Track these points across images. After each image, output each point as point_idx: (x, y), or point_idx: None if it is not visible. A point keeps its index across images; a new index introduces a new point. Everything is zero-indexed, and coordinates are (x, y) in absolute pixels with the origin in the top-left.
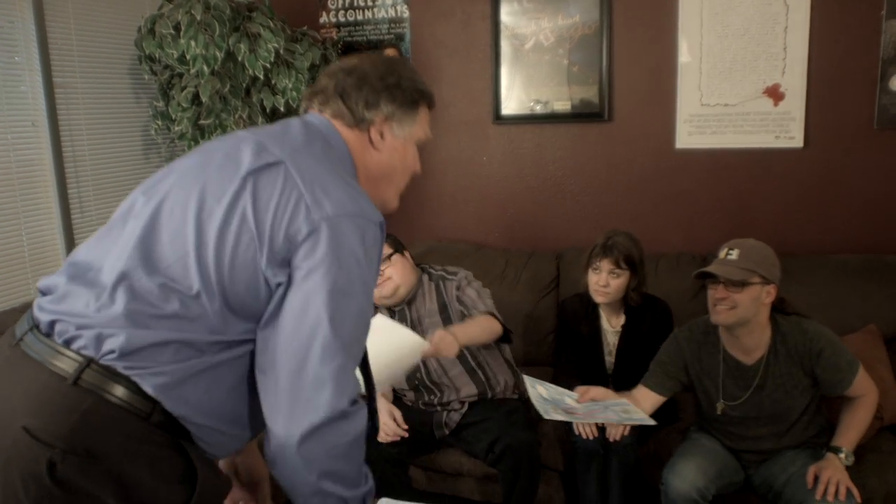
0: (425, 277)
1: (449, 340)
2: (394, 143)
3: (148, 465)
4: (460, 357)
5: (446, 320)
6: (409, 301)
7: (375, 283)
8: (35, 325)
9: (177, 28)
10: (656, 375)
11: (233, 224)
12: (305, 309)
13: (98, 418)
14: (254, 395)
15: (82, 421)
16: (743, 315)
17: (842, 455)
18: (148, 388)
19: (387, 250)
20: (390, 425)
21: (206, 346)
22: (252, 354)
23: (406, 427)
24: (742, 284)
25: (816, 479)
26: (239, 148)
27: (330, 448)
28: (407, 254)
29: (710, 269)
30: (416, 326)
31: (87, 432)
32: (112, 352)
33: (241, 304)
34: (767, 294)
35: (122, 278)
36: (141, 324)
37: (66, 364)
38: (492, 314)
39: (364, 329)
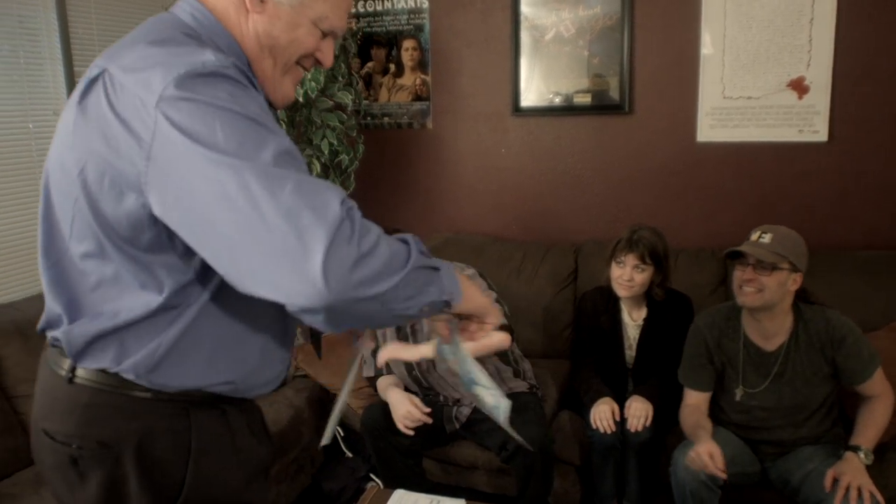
0: None
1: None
2: (275, 10)
3: (164, 441)
4: None
5: None
6: None
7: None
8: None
9: None
10: (690, 371)
11: (88, 169)
12: (200, 195)
13: (98, 409)
14: (240, 342)
15: (84, 415)
16: (769, 299)
17: (861, 454)
18: (128, 376)
19: None
20: (413, 412)
21: (150, 315)
22: (209, 309)
23: (429, 410)
24: (772, 268)
25: (835, 481)
26: (74, 92)
27: (358, 259)
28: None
29: (742, 248)
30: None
31: (92, 424)
32: None
33: (142, 247)
34: (794, 282)
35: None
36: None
37: (64, 364)
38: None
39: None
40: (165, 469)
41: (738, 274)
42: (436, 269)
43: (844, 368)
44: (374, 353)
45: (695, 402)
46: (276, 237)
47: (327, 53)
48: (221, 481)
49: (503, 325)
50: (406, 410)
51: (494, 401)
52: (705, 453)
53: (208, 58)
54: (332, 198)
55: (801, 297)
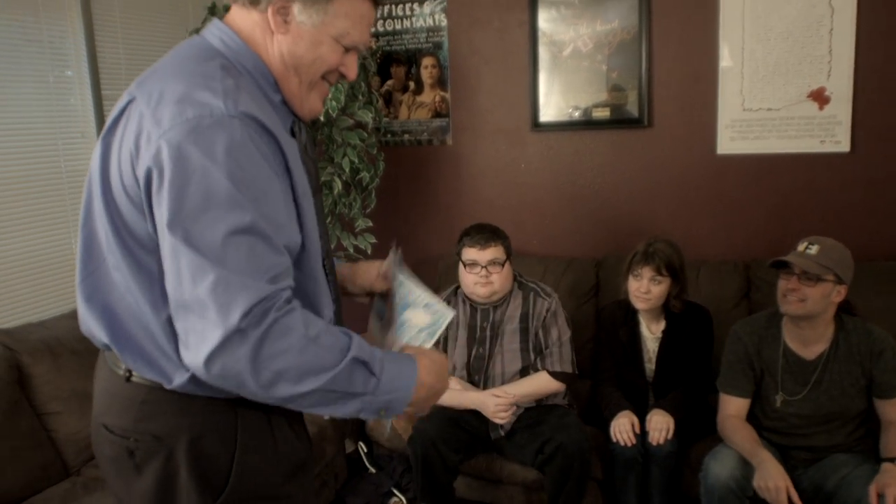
0: (516, 285)
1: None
2: (298, 30)
3: (213, 436)
4: (523, 365)
5: (524, 331)
6: (497, 305)
7: (273, 174)
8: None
9: None
10: (731, 377)
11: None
12: (163, 240)
13: (154, 406)
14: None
15: (141, 411)
16: (811, 309)
17: None
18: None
19: (501, 256)
20: (500, 401)
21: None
22: None
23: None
24: (816, 279)
25: (880, 496)
26: (112, 113)
27: (248, 364)
28: (511, 261)
29: (788, 258)
30: (496, 328)
31: (147, 420)
32: None
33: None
34: (838, 294)
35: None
36: None
37: (121, 364)
38: (555, 373)
39: (251, 231)
40: (213, 463)
41: (783, 283)
42: (363, 393)
43: (880, 381)
44: (436, 346)
45: (735, 410)
46: (188, 310)
47: (351, 67)
48: (264, 474)
49: (560, 373)
50: (494, 407)
51: (433, 316)
52: (781, 489)
53: (218, 105)
54: (241, 302)
55: (845, 309)
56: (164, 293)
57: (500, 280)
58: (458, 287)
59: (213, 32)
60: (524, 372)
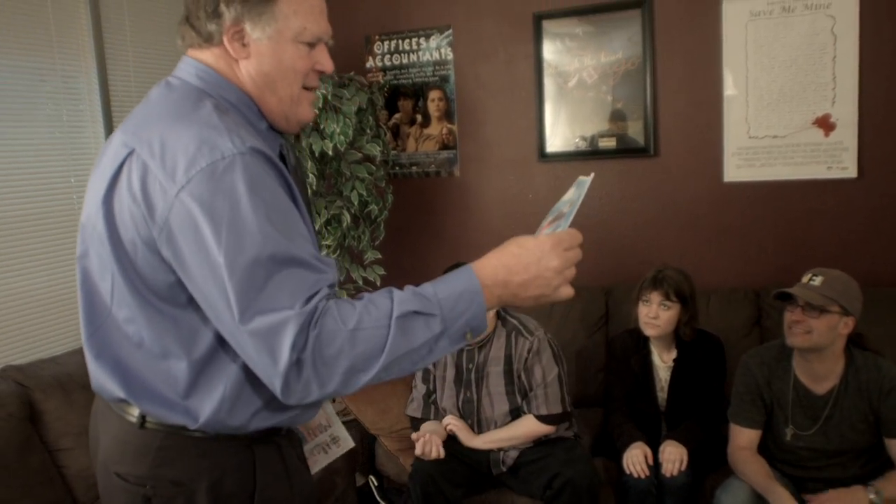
0: (499, 322)
1: (466, 436)
2: (257, 48)
3: (233, 476)
4: (511, 408)
5: (507, 373)
6: (481, 345)
7: (289, 198)
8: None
9: None
10: (742, 408)
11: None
12: (201, 286)
13: (170, 451)
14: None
15: (157, 457)
16: (817, 341)
17: (872, 493)
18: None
19: None
20: (432, 447)
21: (200, 372)
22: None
23: (441, 456)
24: (820, 311)
25: None
26: (102, 164)
27: (316, 385)
28: None
29: (791, 290)
30: (480, 370)
31: (165, 465)
32: None
33: (179, 301)
34: (845, 325)
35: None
36: None
37: (132, 410)
38: (541, 416)
39: (267, 244)
40: (234, 503)
41: (788, 315)
42: (432, 315)
43: (887, 420)
44: (427, 397)
45: (746, 441)
46: (243, 348)
47: (324, 61)
48: None
49: (547, 416)
50: (431, 447)
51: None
52: None
53: (227, 146)
54: (287, 339)
55: (856, 342)
56: (191, 337)
57: None
58: None
59: (189, 71)
60: (515, 413)
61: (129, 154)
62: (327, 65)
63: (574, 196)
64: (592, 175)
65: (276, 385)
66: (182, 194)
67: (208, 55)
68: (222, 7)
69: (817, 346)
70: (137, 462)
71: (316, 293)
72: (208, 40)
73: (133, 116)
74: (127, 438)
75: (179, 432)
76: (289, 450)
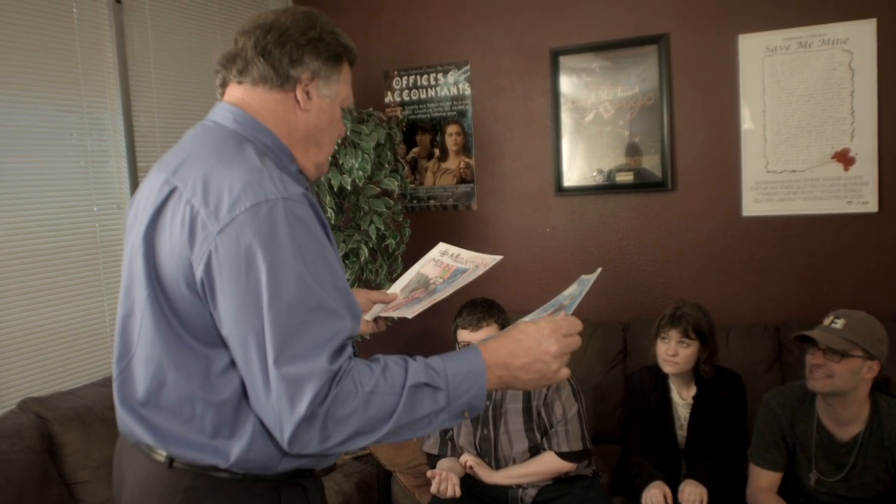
0: None
1: (485, 472)
2: (320, 103)
3: None
4: (530, 445)
5: (526, 411)
6: None
7: (328, 242)
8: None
9: None
10: (764, 449)
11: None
12: (234, 329)
13: (198, 492)
14: None
15: (185, 498)
16: (839, 386)
17: None
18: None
19: (495, 334)
20: (448, 485)
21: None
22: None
23: (459, 494)
24: (842, 355)
25: None
26: (141, 205)
27: (318, 443)
28: None
29: (811, 333)
30: (497, 407)
31: None
32: None
33: (210, 340)
34: (869, 369)
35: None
36: None
37: (161, 451)
38: (562, 453)
39: (312, 290)
40: None
41: (809, 358)
42: (438, 391)
43: None
44: (444, 433)
45: (766, 483)
46: (258, 393)
47: (342, 128)
48: None
49: (568, 453)
50: (447, 486)
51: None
52: None
53: (271, 189)
54: (308, 392)
55: (882, 388)
56: (220, 377)
57: None
58: None
59: (226, 116)
60: (534, 451)
61: (172, 192)
62: (343, 132)
63: (576, 291)
64: (599, 270)
65: (284, 431)
66: (224, 233)
67: (264, 97)
68: (307, 59)
69: (839, 391)
70: (165, 502)
71: (343, 349)
72: (283, 84)
73: (171, 157)
74: (154, 479)
75: (207, 473)
76: (313, 492)
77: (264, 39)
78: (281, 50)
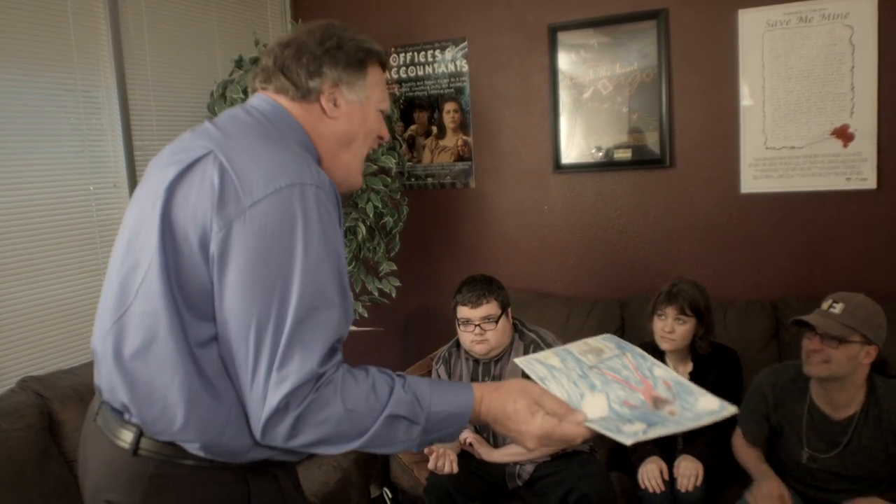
0: (516, 336)
1: (485, 450)
2: (349, 109)
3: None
4: None
5: None
6: (498, 358)
7: (338, 233)
8: (104, 400)
9: (246, 92)
10: (748, 423)
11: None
12: (235, 303)
13: (164, 479)
14: None
15: (150, 486)
16: (836, 371)
17: None
18: (198, 453)
19: (495, 312)
20: (446, 461)
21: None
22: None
23: (455, 471)
24: (840, 341)
25: None
26: (169, 160)
27: (283, 440)
28: (510, 311)
29: (808, 318)
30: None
31: (158, 494)
32: None
33: (199, 309)
34: (867, 354)
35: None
36: None
37: (125, 436)
38: None
39: (323, 279)
40: None
41: (806, 343)
42: (415, 423)
43: None
44: None
45: (744, 448)
46: (249, 379)
47: (384, 131)
48: None
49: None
50: (444, 462)
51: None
52: (776, 497)
53: (307, 174)
54: (290, 382)
55: (880, 369)
56: (203, 351)
57: (495, 336)
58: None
59: (265, 108)
60: None
61: (208, 153)
62: (386, 133)
63: (630, 363)
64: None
65: (262, 416)
66: (255, 208)
67: (294, 106)
68: (325, 69)
69: (836, 376)
70: (129, 490)
71: (334, 351)
72: (305, 96)
73: (206, 129)
74: (118, 465)
75: (173, 460)
76: (285, 479)
77: (282, 55)
78: (297, 63)
